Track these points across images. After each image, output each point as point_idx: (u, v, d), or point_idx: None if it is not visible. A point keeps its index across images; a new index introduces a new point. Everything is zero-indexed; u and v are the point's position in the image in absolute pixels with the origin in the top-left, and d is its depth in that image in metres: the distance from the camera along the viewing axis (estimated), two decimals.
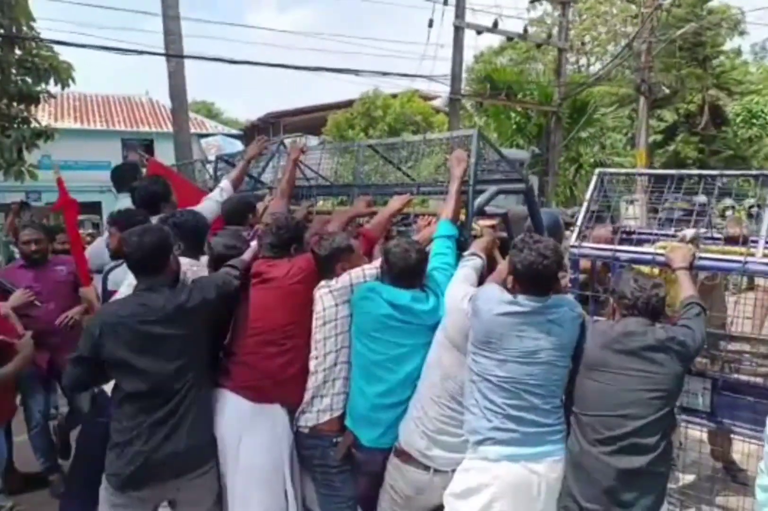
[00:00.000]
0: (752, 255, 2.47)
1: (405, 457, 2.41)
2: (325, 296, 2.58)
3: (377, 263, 2.67)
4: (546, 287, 2.25)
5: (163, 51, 9.34)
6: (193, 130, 16.84)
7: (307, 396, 2.60)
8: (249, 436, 2.55)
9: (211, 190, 5.00)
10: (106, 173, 4.56)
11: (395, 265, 2.50)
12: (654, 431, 2.12)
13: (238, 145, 20.02)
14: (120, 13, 16.09)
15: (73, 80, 7.84)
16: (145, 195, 3.51)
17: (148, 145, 20.85)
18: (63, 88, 7.91)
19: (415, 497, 2.43)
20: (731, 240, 2.88)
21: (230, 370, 2.64)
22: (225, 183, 3.72)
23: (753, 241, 2.65)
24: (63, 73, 7.74)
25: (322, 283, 2.65)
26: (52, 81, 7.77)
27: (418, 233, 3.06)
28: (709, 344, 2.70)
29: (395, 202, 3.19)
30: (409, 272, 2.51)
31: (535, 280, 2.22)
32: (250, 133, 28.04)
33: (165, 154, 15.76)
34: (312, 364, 2.59)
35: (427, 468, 2.37)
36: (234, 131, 23.89)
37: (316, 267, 2.71)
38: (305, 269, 2.70)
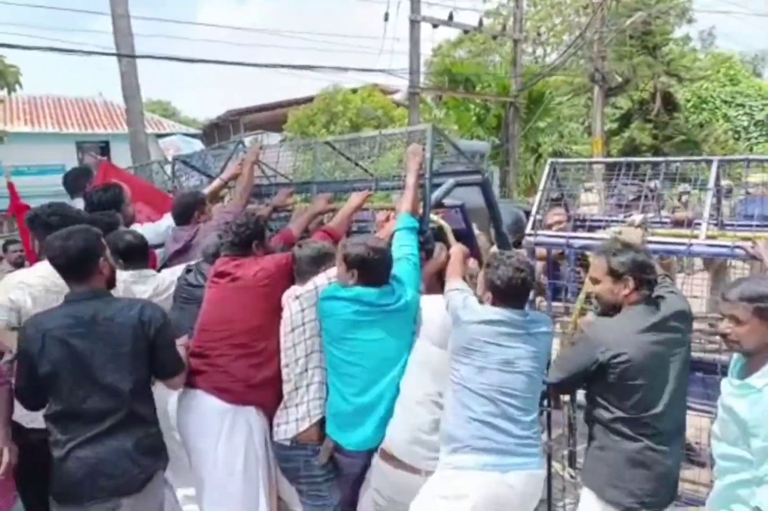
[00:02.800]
0: (696, 237, 2.58)
1: (393, 462, 2.38)
2: (292, 303, 2.56)
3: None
4: (524, 300, 2.33)
5: (114, 51, 9.16)
6: (149, 131, 16.54)
7: (280, 406, 2.57)
8: (226, 437, 2.54)
9: (170, 191, 4.95)
10: (60, 177, 4.45)
11: (361, 266, 2.44)
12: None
13: (197, 145, 19.69)
14: (67, 13, 15.67)
15: (20, 85, 7.62)
16: (96, 203, 3.45)
17: (103, 148, 20.34)
18: (10, 93, 7.68)
19: (398, 499, 2.39)
20: (678, 223, 3.00)
21: (202, 371, 2.61)
22: None
23: (697, 224, 2.77)
24: (10, 77, 7.51)
25: (291, 288, 2.64)
26: None
27: (379, 228, 3.09)
28: None
29: (355, 199, 3.22)
30: (375, 271, 2.46)
31: (514, 294, 2.27)
32: (209, 132, 27.62)
33: (122, 156, 15.40)
34: (284, 372, 2.56)
35: (417, 471, 2.34)
36: (192, 130, 23.51)
37: (291, 270, 2.70)
38: (272, 271, 2.69)
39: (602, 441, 2.22)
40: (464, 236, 3.20)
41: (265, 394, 2.60)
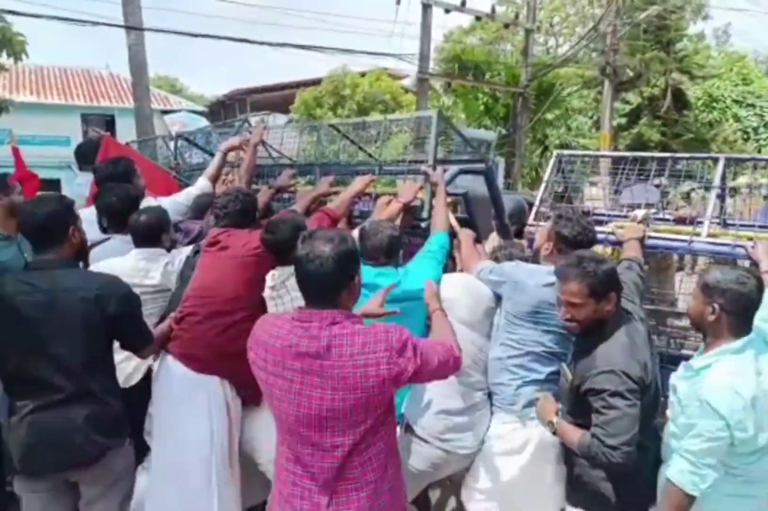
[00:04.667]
0: (698, 235, 2.57)
1: (420, 439, 2.44)
2: (294, 286, 2.56)
3: None
4: None
5: (121, 23, 9.08)
6: (155, 106, 16.44)
7: None
8: (184, 405, 2.55)
9: (171, 168, 4.93)
10: (65, 149, 4.46)
11: (366, 242, 2.56)
12: None
13: (203, 122, 19.56)
14: None
15: (26, 54, 7.56)
16: (109, 175, 3.42)
17: (109, 121, 20.24)
18: (16, 61, 7.63)
19: (429, 471, 2.49)
20: (680, 221, 3.00)
21: (178, 336, 2.62)
22: (203, 183, 3.65)
23: (700, 222, 2.76)
24: (16, 46, 7.45)
25: (289, 270, 2.61)
26: (4, 53, 7.48)
27: (379, 212, 3.09)
28: (657, 321, 2.82)
29: (358, 183, 3.21)
30: (378, 248, 2.55)
31: (577, 247, 2.33)
32: (215, 110, 27.46)
33: (127, 131, 15.29)
34: None
35: (445, 451, 2.43)
36: (199, 108, 23.32)
37: (271, 253, 2.65)
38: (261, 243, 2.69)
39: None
40: (467, 225, 3.21)
41: (234, 365, 2.52)
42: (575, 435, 2.06)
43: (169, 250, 3.08)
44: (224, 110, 27.82)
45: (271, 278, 2.64)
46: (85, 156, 4.20)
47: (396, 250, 2.64)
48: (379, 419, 1.70)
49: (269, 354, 1.73)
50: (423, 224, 3.19)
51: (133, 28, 8.73)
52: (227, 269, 2.63)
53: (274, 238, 2.58)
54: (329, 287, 1.68)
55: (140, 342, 2.45)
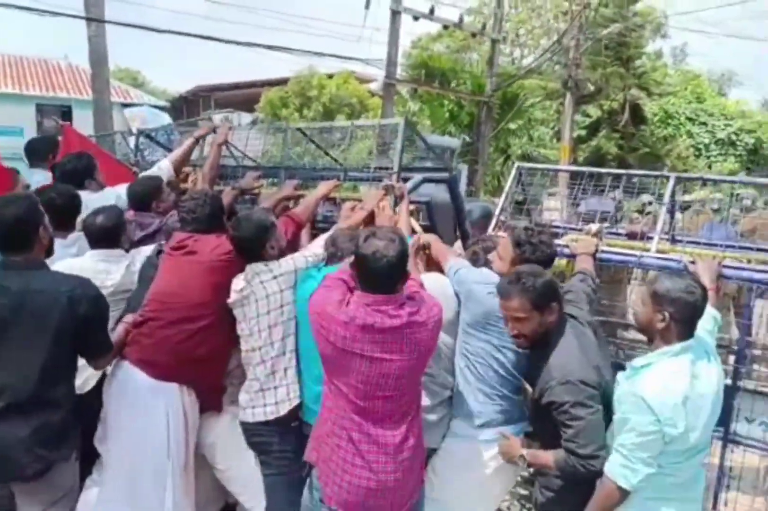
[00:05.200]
0: (647, 250, 2.69)
1: None
2: (268, 283, 2.49)
3: (318, 246, 2.66)
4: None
5: (83, 14, 8.84)
6: (115, 99, 16.02)
7: (252, 389, 2.53)
8: (141, 412, 2.51)
9: (132, 165, 4.85)
10: (18, 140, 4.31)
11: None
12: None
13: (165, 118, 19.17)
14: None
15: None
16: (69, 170, 3.34)
17: (65, 112, 19.61)
18: None
19: None
20: (632, 236, 3.12)
21: (136, 341, 2.57)
22: (164, 164, 3.55)
23: (650, 238, 2.88)
24: None
25: (261, 267, 2.53)
26: None
27: (344, 218, 3.10)
28: (607, 332, 2.92)
29: (322, 188, 3.22)
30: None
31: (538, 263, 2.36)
32: (178, 106, 26.97)
33: (84, 124, 14.85)
34: (254, 354, 2.52)
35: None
36: (161, 103, 22.82)
37: (236, 251, 2.63)
38: (231, 248, 2.64)
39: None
40: (430, 232, 3.26)
41: (197, 371, 2.57)
42: (548, 457, 2.13)
43: (127, 250, 3.03)
44: (187, 106, 27.37)
45: (236, 282, 2.62)
46: (37, 152, 4.02)
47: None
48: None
49: (348, 332, 1.97)
50: None
51: (95, 20, 8.52)
52: (194, 273, 2.60)
53: (237, 235, 2.56)
54: (395, 278, 2.01)
55: (99, 351, 2.38)
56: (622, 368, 2.12)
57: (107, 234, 2.89)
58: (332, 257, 2.55)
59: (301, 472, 2.44)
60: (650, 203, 7.47)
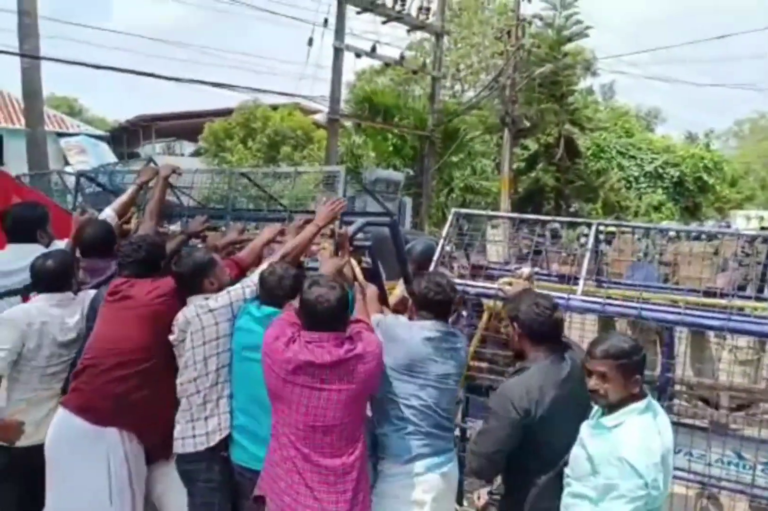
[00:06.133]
0: (574, 292, 2.88)
1: None
2: (204, 316, 2.55)
3: (254, 279, 2.69)
4: (448, 312, 2.59)
5: (16, 46, 8.66)
6: (50, 129, 15.54)
7: (183, 419, 2.54)
8: (82, 458, 2.50)
9: (74, 209, 4.77)
10: None
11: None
12: None
13: (103, 148, 18.72)
14: None
15: None
16: (19, 221, 3.24)
17: None
18: None
19: None
20: (562, 277, 3.32)
21: (77, 389, 2.58)
22: (108, 213, 3.51)
23: (577, 279, 3.08)
24: None
25: (198, 302, 2.59)
26: None
27: (292, 235, 3.08)
28: None
29: (266, 233, 3.28)
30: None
31: (439, 303, 2.51)
32: (118, 135, 26.45)
33: (16, 154, 14.34)
34: (190, 385, 2.54)
35: None
36: (99, 132, 22.33)
37: (177, 287, 2.69)
38: (167, 291, 2.69)
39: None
40: (372, 274, 3.37)
41: (135, 416, 2.57)
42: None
43: (75, 293, 3.01)
44: (127, 136, 26.87)
45: (177, 317, 2.63)
46: None
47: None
48: None
49: (291, 365, 2.15)
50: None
51: (30, 56, 8.34)
52: (129, 319, 2.62)
53: (178, 271, 2.68)
54: (336, 319, 2.25)
55: None
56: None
57: (57, 277, 2.88)
58: (264, 297, 2.60)
59: (226, 505, 2.51)
60: (586, 235, 7.87)
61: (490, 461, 2.29)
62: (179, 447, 2.55)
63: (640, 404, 2.02)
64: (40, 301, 2.86)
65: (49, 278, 2.86)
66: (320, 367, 2.16)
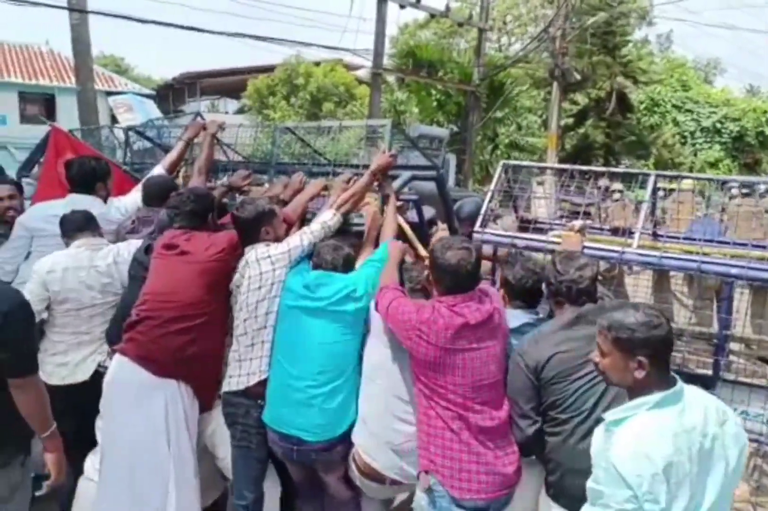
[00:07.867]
0: (629, 246, 2.77)
1: (380, 480, 2.44)
2: (263, 261, 2.61)
3: (317, 222, 2.78)
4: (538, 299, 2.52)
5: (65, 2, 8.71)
6: (99, 87, 15.78)
7: (233, 359, 2.64)
8: (141, 407, 2.58)
9: (125, 164, 4.84)
10: (1, 128, 4.25)
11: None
12: None
13: (150, 106, 18.88)
14: None
15: None
16: (83, 172, 3.33)
17: (48, 100, 19.41)
18: None
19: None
20: (615, 231, 3.20)
21: (134, 339, 2.64)
22: (158, 170, 3.58)
23: (632, 233, 2.96)
24: None
25: (261, 247, 2.65)
26: None
27: (336, 192, 3.06)
28: None
29: (311, 188, 3.26)
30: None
31: (534, 294, 2.47)
32: (164, 93, 26.67)
33: (68, 111, 14.65)
34: (241, 326, 2.62)
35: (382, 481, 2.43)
36: (146, 90, 22.53)
37: (237, 235, 2.73)
38: (224, 247, 2.71)
39: None
40: (418, 229, 3.32)
41: (192, 369, 2.64)
42: None
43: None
44: (173, 94, 27.07)
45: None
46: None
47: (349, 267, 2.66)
48: None
49: (449, 331, 2.16)
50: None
51: (77, 10, 8.37)
52: (188, 274, 2.66)
53: (239, 216, 2.72)
54: (476, 279, 2.29)
55: (19, 368, 2.05)
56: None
57: (86, 221, 3.01)
58: (317, 267, 2.62)
59: (261, 450, 2.60)
60: (621, 191, 7.48)
61: (524, 417, 2.16)
62: (225, 386, 2.64)
63: (651, 398, 1.64)
64: (71, 247, 2.98)
65: (78, 223, 3.00)
66: (475, 327, 2.18)
